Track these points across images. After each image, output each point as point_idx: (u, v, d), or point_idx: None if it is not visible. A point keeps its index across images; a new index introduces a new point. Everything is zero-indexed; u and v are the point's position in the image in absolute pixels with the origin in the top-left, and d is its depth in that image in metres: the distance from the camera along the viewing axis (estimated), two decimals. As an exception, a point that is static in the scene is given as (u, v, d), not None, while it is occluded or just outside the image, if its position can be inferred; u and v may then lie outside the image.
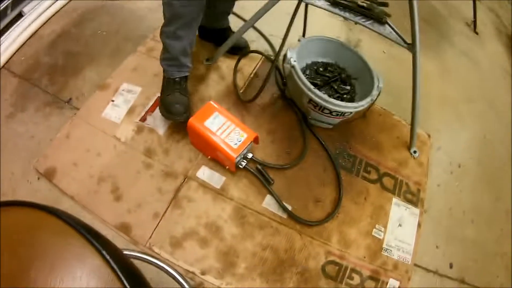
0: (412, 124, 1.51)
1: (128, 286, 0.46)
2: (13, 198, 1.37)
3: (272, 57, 1.64)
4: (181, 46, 1.31)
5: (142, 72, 1.56)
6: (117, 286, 0.46)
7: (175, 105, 1.33)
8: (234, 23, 1.65)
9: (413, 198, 1.50)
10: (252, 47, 1.70)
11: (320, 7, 1.34)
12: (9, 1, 1.88)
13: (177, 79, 1.39)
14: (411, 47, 1.33)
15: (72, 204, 1.32)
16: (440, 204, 1.55)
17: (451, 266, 1.43)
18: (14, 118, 1.54)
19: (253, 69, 1.60)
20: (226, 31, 1.60)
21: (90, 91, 1.53)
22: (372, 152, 1.51)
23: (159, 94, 1.44)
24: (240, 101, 1.49)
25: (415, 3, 1.23)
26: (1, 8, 1.84)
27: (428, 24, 2.23)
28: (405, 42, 1.34)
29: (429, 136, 1.68)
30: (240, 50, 1.63)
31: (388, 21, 1.37)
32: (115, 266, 0.47)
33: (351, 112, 1.37)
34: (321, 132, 1.48)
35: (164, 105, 1.38)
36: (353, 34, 1.89)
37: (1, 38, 1.83)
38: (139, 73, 1.56)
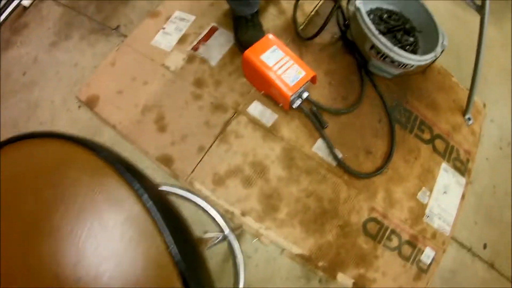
0: (471, 90, 1.43)
1: (167, 241, 0.38)
2: (52, 127, 1.34)
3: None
4: None
5: (196, 1, 1.49)
6: (156, 239, 0.38)
7: (253, 43, 1.26)
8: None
9: (462, 167, 1.43)
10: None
11: None
12: None
13: (249, 16, 1.33)
14: (480, 9, 1.24)
15: (113, 134, 1.29)
16: (485, 180, 1.47)
17: (485, 246, 1.36)
18: (57, 46, 1.50)
19: (315, 7, 1.51)
20: None
21: (139, 18, 1.47)
22: (427, 111, 1.43)
23: (213, 24, 1.38)
24: (298, 38, 1.41)
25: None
26: None
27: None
28: (474, 3, 1.26)
29: (484, 105, 1.59)
30: None
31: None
32: (156, 216, 0.39)
33: (413, 65, 1.29)
34: (379, 80, 1.40)
35: (242, 44, 1.33)
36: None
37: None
38: (193, 2, 1.49)
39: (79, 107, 1.36)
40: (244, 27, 1.33)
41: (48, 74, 1.44)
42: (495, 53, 1.78)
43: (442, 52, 1.32)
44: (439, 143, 1.41)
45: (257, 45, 1.23)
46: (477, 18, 1.24)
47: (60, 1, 1.66)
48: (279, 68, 1.21)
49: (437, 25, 1.35)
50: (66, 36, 1.54)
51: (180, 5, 1.47)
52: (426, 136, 1.40)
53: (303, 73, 1.21)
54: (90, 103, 1.34)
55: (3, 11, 1.68)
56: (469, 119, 1.51)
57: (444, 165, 1.41)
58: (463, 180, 1.42)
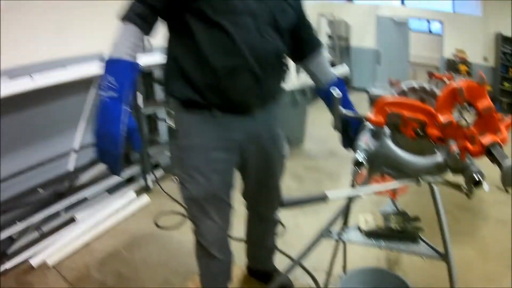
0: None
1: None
2: None
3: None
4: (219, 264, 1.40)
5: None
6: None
7: None
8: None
9: None
10: (297, 284, 1.72)
11: (356, 243, 1.39)
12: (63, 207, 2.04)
13: None
14: (445, 256, 1.33)
15: None
16: None
17: None
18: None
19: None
20: (272, 272, 1.68)
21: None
22: None
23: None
24: None
25: (443, 218, 1.25)
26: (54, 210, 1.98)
27: (460, 209, 2.24)
28: (439, 254, 1.34)
29: None
30: None
31: (421, 236, 1.39)
32: None
33: None
34: None
35: None
36: (393, 249, 1.90)
37: (52, 238, 1.94)
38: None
39: None
40: None
41: None
42: (475, 267, 1.78)
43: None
44: None
45: None
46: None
47: (65, 278, 1.77)
48: None
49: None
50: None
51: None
52: None
53: None
54: None
55: (10, 259, 1.77)
56: None
57: None
58: None
